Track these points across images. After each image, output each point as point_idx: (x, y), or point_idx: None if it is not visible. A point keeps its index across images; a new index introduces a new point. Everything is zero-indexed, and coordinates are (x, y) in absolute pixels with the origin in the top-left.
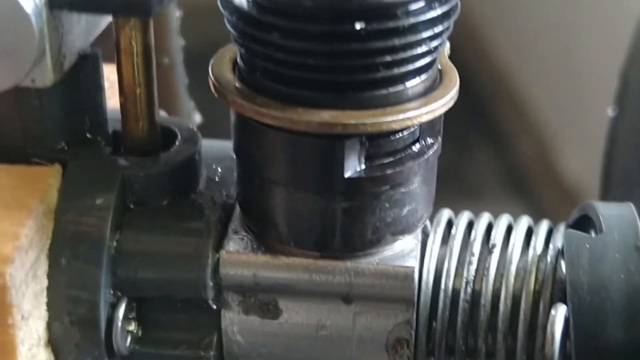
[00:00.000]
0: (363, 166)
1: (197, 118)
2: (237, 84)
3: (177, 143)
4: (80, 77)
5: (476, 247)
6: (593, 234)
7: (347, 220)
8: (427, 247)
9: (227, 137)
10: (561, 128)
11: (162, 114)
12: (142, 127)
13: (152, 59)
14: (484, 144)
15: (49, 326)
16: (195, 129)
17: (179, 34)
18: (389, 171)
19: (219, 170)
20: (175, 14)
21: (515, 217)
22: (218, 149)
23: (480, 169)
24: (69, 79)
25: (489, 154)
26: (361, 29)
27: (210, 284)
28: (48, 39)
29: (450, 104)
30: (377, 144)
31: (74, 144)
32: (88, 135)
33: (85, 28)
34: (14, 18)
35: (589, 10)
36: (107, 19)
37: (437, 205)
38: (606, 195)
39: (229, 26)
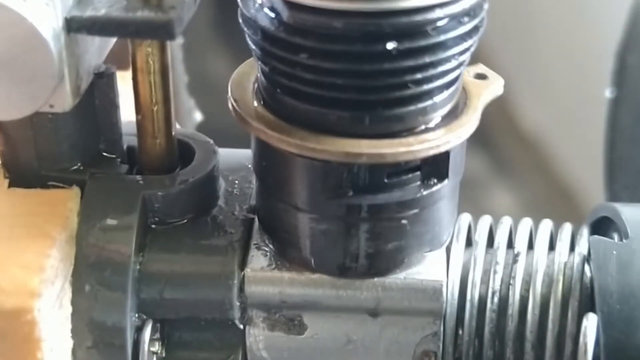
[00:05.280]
0: (386, 192)
1: (198, 116)
2: (259, 108)
3: (195, 158)
4: (95, 95)
5: (500, 256)
6: (616, 237)
7: (372, 245)
8: (451, 256)
9: (228, 133)
10: (518, 79)
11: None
12: (159, 145)
13: (169, 76)
14: None
15: (74, 353)
16: (211, 142)
17: None
18: (413, 195)
19: (236, 182)
20: None
21: (473, 169)
22: (232, 159)
23: None
24: (84, 98)
25: None
26: (393, 48)
27: (237, 303)
28: (67, 63)
29: (473, 128)
30: (400, 170)
31: (90, 164)
32: (103, 154)
33: (99, 46)
34: (32, 44)
35: None
36: None
37: None
38: (613, 184)
39: (252, 45)
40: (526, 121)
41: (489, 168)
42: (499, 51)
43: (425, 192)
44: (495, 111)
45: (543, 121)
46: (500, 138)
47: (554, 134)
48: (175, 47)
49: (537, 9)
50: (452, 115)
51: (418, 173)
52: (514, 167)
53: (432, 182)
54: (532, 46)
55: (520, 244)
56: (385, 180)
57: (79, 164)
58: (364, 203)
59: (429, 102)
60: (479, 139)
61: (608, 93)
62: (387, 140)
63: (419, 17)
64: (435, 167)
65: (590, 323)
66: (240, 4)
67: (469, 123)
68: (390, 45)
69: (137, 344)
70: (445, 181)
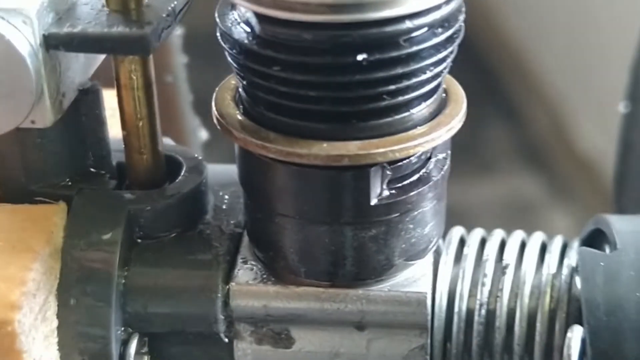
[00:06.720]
0: (373, 195)
1: (204, 135)
2: (241, 117)
3: (182, 173)
4: (81, 111)
5: (489, 268)
6: (608, 249)
7: (358, 249)
8: (440, 269)
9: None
10: (574, 100)
11: (166, 140)
12: (146, 160)
13: (153, 91)
14: (499, 119)
15: None
16: (199, 157)
17: (181, 52)
18: (401, 197)
19: (226, 197)
20: (177, 31)
21: (530, 191)
22: (224, 174)
23: (495, 143)
24: (69, 114)
25: (503, 128)
26: (363, 59)
27: (221, 317)
28: (46, 79)
29: (458, 126)
30: (384, 171)
31: (78, 179)
32: (92, 169)
33: (84, 62)
34: (9, 61)
35: None
36: None
37: (453, 180)
38: (620, 197)
39: (230, 59)
40: (583, 142)
41: (546, 190)
42: (553, 72)
43: (409, 195)
44: (552, 133)
45: (600, 142)
46: (557, 160)
47: (612, 154)
48: (179, 66)
49: (593, 28)
50: (436, 110)
51: (403, 175)
52: (572, 189)
53: (417, 184)
54: (587, 66)
55: (509, 256)
56: (370, 183)
57: (67, 180)
58: (348, 207)
59: (406, 114)
60: (536, 161)
61: (622, 108)
62: (372, 140)
63: (389, 29)
64: (417, 168)
65: (575, 335)
66: (217, 20)
67: (454, 117)
68: (361, 57)
69: (123, 358)
70: (432, 182)
